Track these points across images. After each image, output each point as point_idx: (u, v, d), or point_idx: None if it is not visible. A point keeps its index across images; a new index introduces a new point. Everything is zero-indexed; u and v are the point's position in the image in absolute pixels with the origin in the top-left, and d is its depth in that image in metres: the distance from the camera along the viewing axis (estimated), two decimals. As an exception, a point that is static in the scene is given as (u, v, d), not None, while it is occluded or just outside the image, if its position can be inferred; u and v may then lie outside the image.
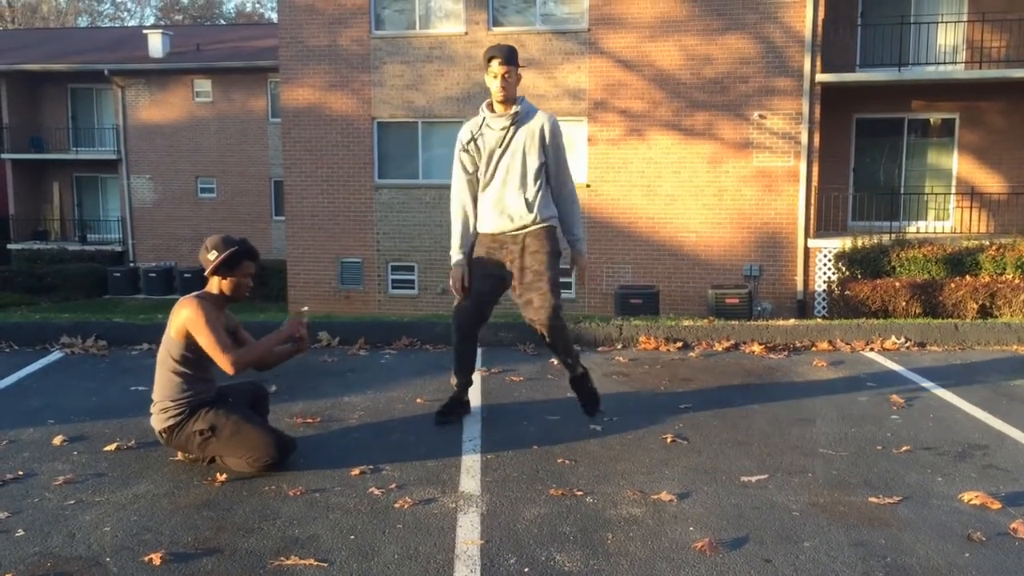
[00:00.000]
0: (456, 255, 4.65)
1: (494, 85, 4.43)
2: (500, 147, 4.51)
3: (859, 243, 14.62)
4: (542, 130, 4.48)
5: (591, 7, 17.02)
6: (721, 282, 16.33)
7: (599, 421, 4.74)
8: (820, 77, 16.14)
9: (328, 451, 4.29)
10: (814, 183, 16.50)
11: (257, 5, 62.46)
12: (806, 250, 16.58)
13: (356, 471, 4.00)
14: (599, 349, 6.52)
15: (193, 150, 26.41)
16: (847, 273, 14.28)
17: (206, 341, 3.89)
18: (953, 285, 11.22)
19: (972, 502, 3.65)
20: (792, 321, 6.99)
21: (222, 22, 53.83)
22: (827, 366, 6.03)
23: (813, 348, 6.59)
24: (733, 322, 6.94)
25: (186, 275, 23.91)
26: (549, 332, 4.52)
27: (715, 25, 16.60)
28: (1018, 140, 17.01)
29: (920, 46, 17.11)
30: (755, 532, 3.38)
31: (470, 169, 4.62)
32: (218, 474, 3.92)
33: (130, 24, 53.03)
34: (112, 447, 4.32)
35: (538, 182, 4.52)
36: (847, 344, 6.64)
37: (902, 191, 17.62)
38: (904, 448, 4.34)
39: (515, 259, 4.55)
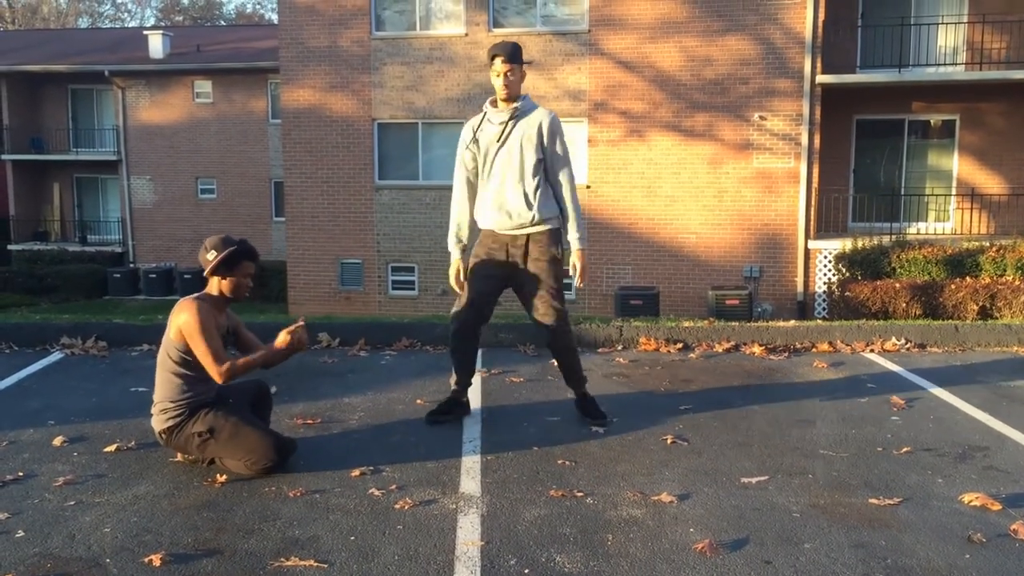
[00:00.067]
0: (454, 251, 4.69)
1: (497, 83, 4.45)
2: (498, 142, 4.51)
3: (859, 244, 14.62)
4: (540, 126, 4.48)
5: (591, 8, 17.03)
6: (721, 283, 16.33)
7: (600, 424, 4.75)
8: (820, 78, 16.14)
9: (328, 452, 4.28)
10: (814, 184, 16.50)
11: (257, 6, 62.53)
12: (806, 251, 16.58)
13: (356, 472, 4.00)
14: (599, 350, 6.52)
15: (193, 151, 26.42)
16: (847, 274, 14.28)
17: (199, 349, 3.89)
18: (953, 286, 11.22)
19: (972, 503, 3.65)
20: (792, 322, 6.99)
21: (222, 23, 53.86)
22: (827, 367, 6.03)
23: (813, 349, 6.59)
24: (733, 323, 6.94)
25: (186, 276, 23.91)
26: (554, 336, 4.59)
27: (715, 26, 16.61)
28: (1018, 141, 17.01)
29: (920, 47, 17.12)
30: (755, 533, 3.38)
31: (470, 166, 4.64)
32: (218, 475, 3.92)
33: (130, 25, 53.07)
34: (112, 448, 4.31)
35: (536, 178, 4.51)
36: (847, 345, 6.64)
37: (902, 192, 17.62)
38: (904, 449, 4.34)
39: (518, 264, 4.55)
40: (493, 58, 4.43)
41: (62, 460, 4.17)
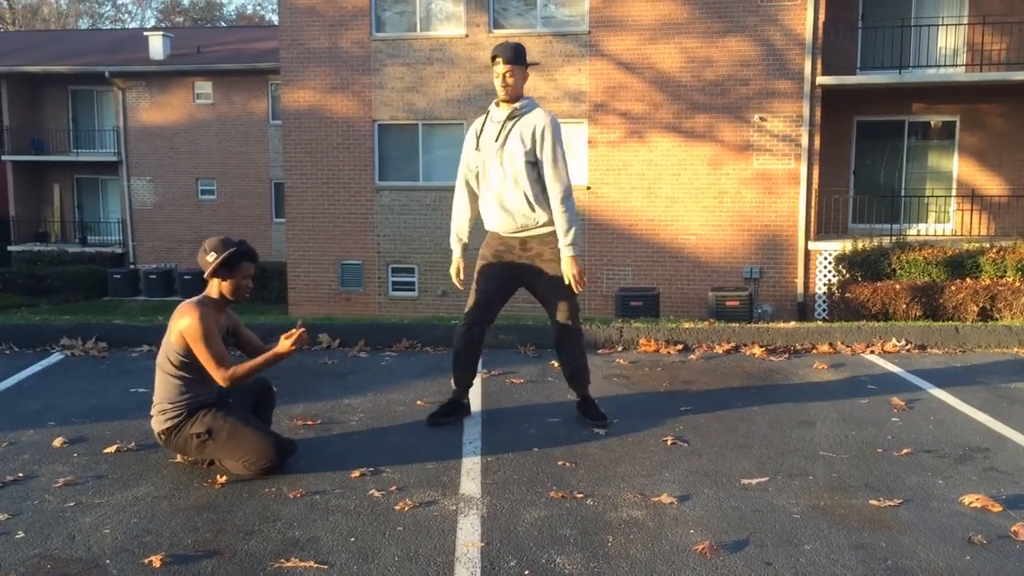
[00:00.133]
0: (456, 248, 4.75)
1: (497, 84, 4.47)
2: (496, 142, 4.53)
3: (859, 246, 14.61)
4: (535, 128, 4.48)
5: (592, 9, 17.04)
6: (721, 284, 16.32)
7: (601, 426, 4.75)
8: (820, 79, 16.14)
9: (328, 453, 4.28)
10: (814, 185, 16.50)
11: (258, 7, 62.56)
12: (806, 252, 16.58)
13: (356, 473, 4.00)
14: (600, 351, 6.52)
15: (193, 152, 26.43)
16: (847, 275, 14.27)
17: (202, 355, 3.89)
18: (953, 288, 11.21)
19: (973, 505, 3.65)
20: (792, 324, 6.99)
21: (223, 24, 53.87)
22: (828, 369, 6.03)
23: (814, 351, 6.59)
24: (734, 324, 6.94)
25: (186, 277, 23.92)
26: (566, 336, 4.64)
27: (715, 28, 16.61)
28: (1019, 143, 17.01)
29: (920, 49, 17.12)
30: (756, 535, 3.37)
31: (472, 166, 4.66)
32: (218, 476, 3.92)
33: (131, 26, 53.10)
34: (112, 449, 4.31)
35: (534, 179, 4.51)
36: (847, 347, 6.63)
37: (902, 194, 17.62)
38: (905, 451, 4.34)
39: (530, 265, 4.58)
40: (494, 59, 4.45)
41: (62, 461, 4.17)
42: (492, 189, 4.57)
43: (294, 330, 3.93)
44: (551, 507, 3.63)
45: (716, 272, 16.95)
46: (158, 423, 4.00)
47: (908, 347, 6.65)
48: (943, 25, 16.96)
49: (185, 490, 3.81)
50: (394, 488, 3.82)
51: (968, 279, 12.01)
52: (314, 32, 18.04)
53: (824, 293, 16.13)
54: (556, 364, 6.08)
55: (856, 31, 17.18)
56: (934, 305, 11.26)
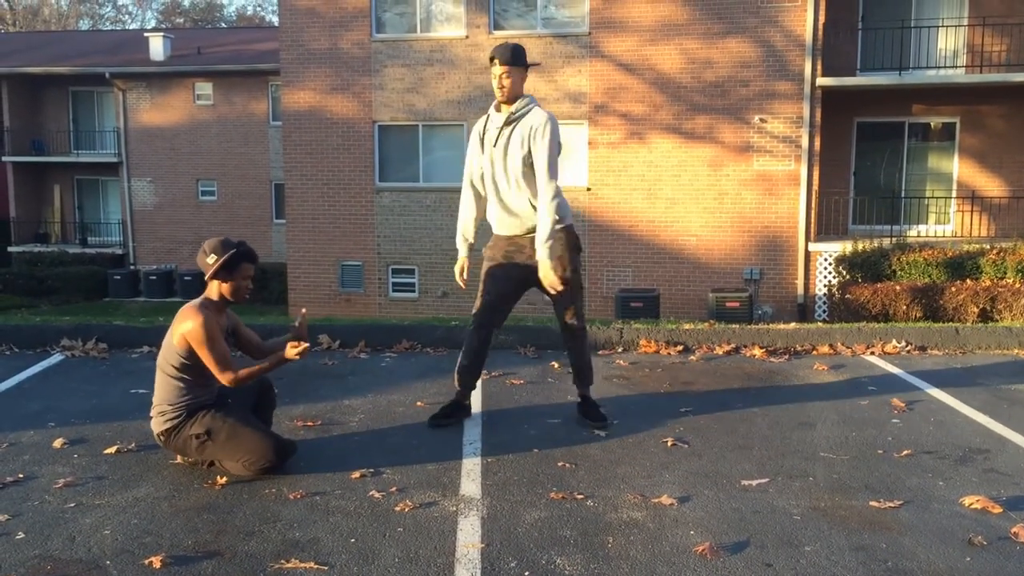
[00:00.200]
0: (461, 248, 4.78)
1: (494, 85, 4.47)
2: (496, 145, 4.52)
3: (860, 247, 14.60)
4: (531, 127, 4.47)
5: (592, 11, 17.04)
6: (722, 286, 16.33)
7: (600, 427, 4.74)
8: (820, 81, 16.14)
9: (328, 454, 4.28)
10: (815, 187, 16.50)
11: (258, 8, 62.59)
12: (807, 254, 16.58)
13: (357, 474, 4.00)
14: (600, 352, 6.52)
15: (194, 153, 26.44)
16: (847, 277, 14.27)
17: (207, 358, 3.90)
18: (954, 289, 11.20)
19: (973, 506, 3.65)
20: (793, 325, 6.99)
21: (223, 25, 53.88)
22: (828, 370, 6.03)
23: (814, 352, 6.59)
24: (734, 326, 6.94)
25: (186, 278, 23.92)
26: (573, 335, 4.69)
27: (715, 29, 16.62)
28: (1019, 144, 17.01)
29: (921, 50, 17.12)
30: (756, 536, 3.37)
31: (476, 168, 4.67)
32: (218, 477, 3.92)
33: (131, 27, 53.10)
34: (112, 450, 4.31)
35: (534, 180, 4.52)
36: (848, 348, 6.63)
37: (903, 195, 17.62)
38: (905, 452, 4.33)
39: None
40: (492, 60, 4.45)
41: (62, 462, 4.17)
42: (495, 193, 4.57)
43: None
44: (551, 508, 3.63)
45: (716, 273, 16.95)
46: (158, 424, 4.00)
47: (908, 348, 6.65)
48: (943, 26, 16.96)
49: (185, 491, 3.81)
50: (394, 489, 3.82)
51: (968, 280, 12.00)
52: (314, 33, 18.04)
53: (824, 294, 16.12)
54: (556, 365, 6.08)
55: (856, 32, 17.18)
56: (934, 306, 11.26)
